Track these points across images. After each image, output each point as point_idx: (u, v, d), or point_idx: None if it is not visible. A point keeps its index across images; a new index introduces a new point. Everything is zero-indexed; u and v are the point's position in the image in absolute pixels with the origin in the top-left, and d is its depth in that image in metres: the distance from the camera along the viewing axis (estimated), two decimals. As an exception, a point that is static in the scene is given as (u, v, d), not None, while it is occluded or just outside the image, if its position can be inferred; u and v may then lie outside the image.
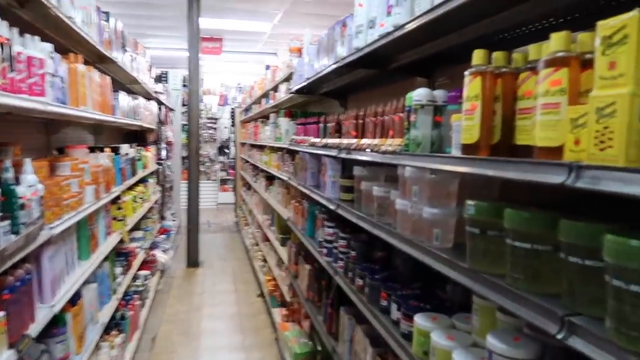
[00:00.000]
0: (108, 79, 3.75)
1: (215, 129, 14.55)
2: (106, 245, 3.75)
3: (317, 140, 3.44)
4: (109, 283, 4.02)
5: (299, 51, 4.73)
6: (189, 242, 7.83)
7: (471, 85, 1.43)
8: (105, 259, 3.82)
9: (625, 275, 0.87)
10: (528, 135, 1.31)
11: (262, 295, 6.28)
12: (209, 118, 14.40)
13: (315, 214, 3.49)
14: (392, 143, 2.00)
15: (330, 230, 3.01)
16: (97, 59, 3.79)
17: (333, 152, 2.87)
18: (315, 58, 3.71)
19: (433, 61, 2.60)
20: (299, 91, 4.49)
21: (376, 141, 2.25)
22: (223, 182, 14.23)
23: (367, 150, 2.27)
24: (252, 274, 7.26)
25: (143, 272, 5.65)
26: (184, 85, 13.13)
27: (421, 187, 1.77)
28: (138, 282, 5.42)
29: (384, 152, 2.03)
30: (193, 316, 5.67)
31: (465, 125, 1.45)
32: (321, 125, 3.52)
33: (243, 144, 10.79)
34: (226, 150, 14.58)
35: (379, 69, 2.86)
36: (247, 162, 9.79)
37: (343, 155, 2.70)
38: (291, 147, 4.38)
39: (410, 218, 1.82)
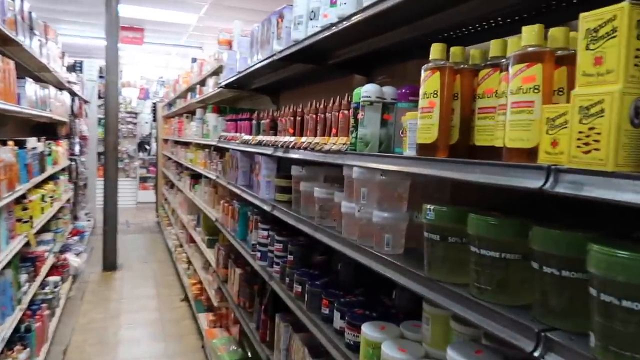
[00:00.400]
0: (11, 64, 3.31)
1: (135, 124, 13.76)
2: (8, 251, 3.33)
3: (249, 137, 3.25)
4: (12, 292, 3.57)
5: (229, 44, 4.49)
6: (106, 243, 7.28)
7: (429, 81, 1.33)
8: (8, 265, 3.39)
9: (616, 290, 0.79)
10: (490, 136, 1.23)
11: (186, 299, 5.95)
12: (128, 112, 13.59)
13: (248, 215, 3.30)
14: (337, 142, 1.87)
15: (265, 233, 2.84)
16: (-1, 41, 3.34)
17: (268, 151, 2.70)
18: (247, 51, 3.51)
19: (373, 58, 2.52)
20: (228, 86, 4.26)
21: (317, 139, 2.12)
22: (143, 180, 13.48)
23: (307, 148, 2.13)
24: (176, 277, 6.89)
25: (52, 278, 5.14)
26: (101, 77, 12.32)
27: (370, 189, 1.66)
28: (47, 290, 4.91)
29: (328, 152, 1.89)
30: (110, 324, 5.24)
31: (422, 124, 1.35)
32: (254, 122, 3.33)
33: (166, 141, 10.26)
34: (146, 147, 13.83)
35: (317, 64, 2.73)
36: (170, 159, 9.31)
37: (279, 153, 2.54)
38: (220, 145, 4.14)
39: (357, 222, 1.70)
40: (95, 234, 9.23)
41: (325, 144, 1.98)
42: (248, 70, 3.21)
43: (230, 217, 3.77)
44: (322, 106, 2.25)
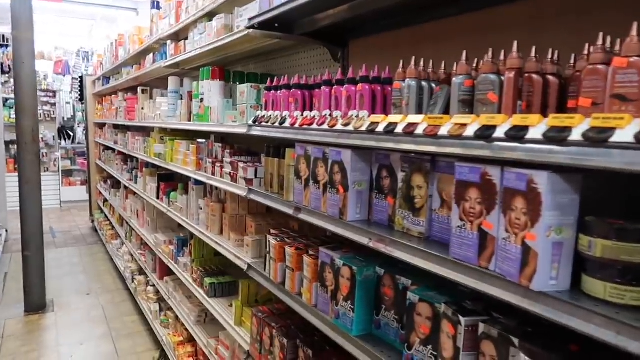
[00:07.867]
0: None
1: (53, 104, 10.81)
2: None
3: (415, 122, 1.33)
4: None
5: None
6: (27, 274, 4.90)
7: None
8: None
9: None
10: None
11: (163, 358, 3.87)
12: (44, 90, 10.61)
13: (407, 295, 1.38)
14: None
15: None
16: None
17: None
18: None
19: None
20: (264, 25, 2.26)
21: None
22: (67, 174, 10.67)
23: None
24: (139, 318, 4.69)
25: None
26: (2, 46, 9.40)
27: None
28: None
29: None
30: None
31: None
32: (411, 83, 1.40)
33: (101, 125, 7.75)
34: (70, 133, 10.98)
35: None
36: (109, 149, 6.90)
37: None
38: (263, 134, 2.15)
39: None
40: (10, 251, 6.68)
41: None
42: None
43: (312, 278, 1.82)
44: None
